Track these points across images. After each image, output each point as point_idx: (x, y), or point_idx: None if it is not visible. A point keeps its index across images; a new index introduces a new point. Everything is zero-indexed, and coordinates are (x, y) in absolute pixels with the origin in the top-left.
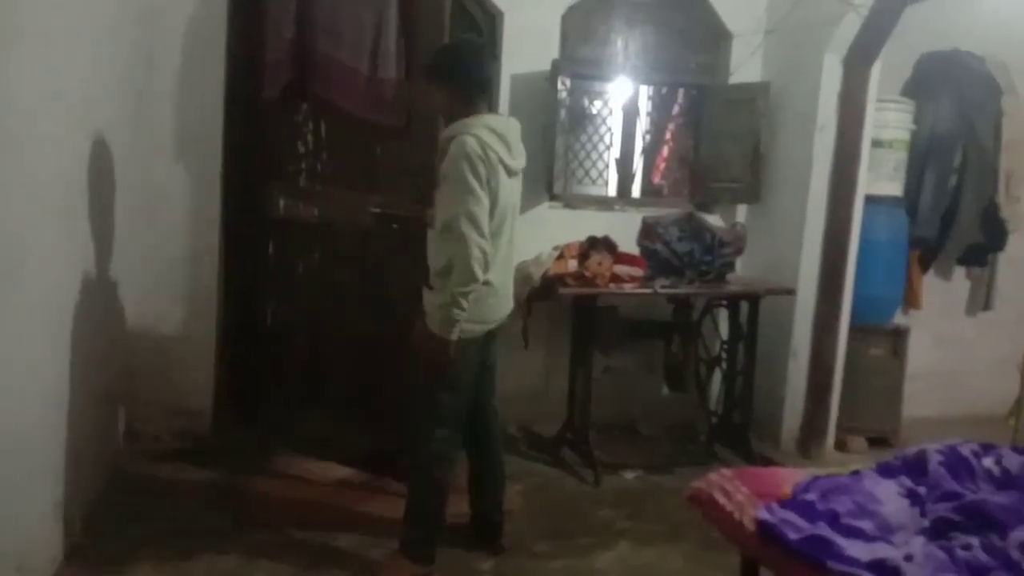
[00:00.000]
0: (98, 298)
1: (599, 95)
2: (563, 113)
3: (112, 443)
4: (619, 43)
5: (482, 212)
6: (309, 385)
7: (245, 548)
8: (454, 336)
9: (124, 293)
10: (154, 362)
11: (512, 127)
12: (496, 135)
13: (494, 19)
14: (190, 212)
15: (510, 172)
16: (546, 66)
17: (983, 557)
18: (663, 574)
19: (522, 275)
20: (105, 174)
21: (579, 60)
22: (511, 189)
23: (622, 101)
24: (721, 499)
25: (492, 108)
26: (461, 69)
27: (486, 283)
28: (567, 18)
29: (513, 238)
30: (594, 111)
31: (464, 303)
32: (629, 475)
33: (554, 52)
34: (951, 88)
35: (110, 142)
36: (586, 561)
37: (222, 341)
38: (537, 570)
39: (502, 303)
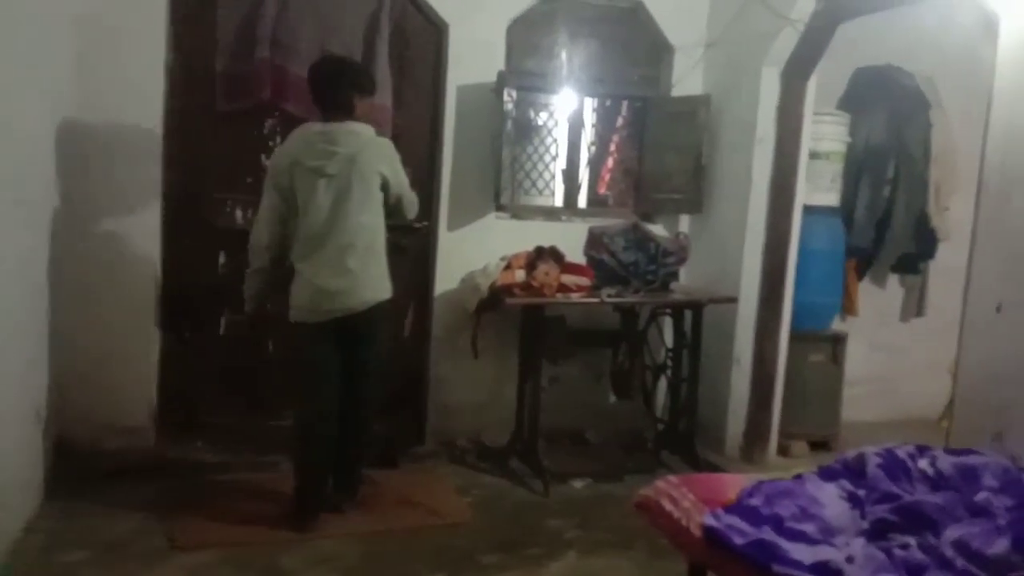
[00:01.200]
0: (29, 309)
1: (545, 106)
2: (509, 124)
3: (44, 462)
4: (563, 55)
5: (265, 210)
6: (263, 395)
7: (184, 571)
8: (247, 308)
9: (58, 304)
10: (90, 376)
11: (337, 136)
12: (307, 143)
13: (439, 30)
14: (128, 221)
15: (320, 175)
16: (492, 77)
17: (919, 556)
18: None
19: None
20: (37, 182)
21: (525, 72)
22: (324, 191)
23: (567, 113)
24: (668, 506)
25: (357, 117)
26: (310, 83)
27: (298, 272)
28: (512, 31)
29: (342, 240)
30: (540, 122)
31: (248, 281)
32: (578, 484)
33: (500, 64)
34: (883, 102)
35: (42, 150)
36: (536, 572)
37: (164, 353)
38: None
39: (324, 298)
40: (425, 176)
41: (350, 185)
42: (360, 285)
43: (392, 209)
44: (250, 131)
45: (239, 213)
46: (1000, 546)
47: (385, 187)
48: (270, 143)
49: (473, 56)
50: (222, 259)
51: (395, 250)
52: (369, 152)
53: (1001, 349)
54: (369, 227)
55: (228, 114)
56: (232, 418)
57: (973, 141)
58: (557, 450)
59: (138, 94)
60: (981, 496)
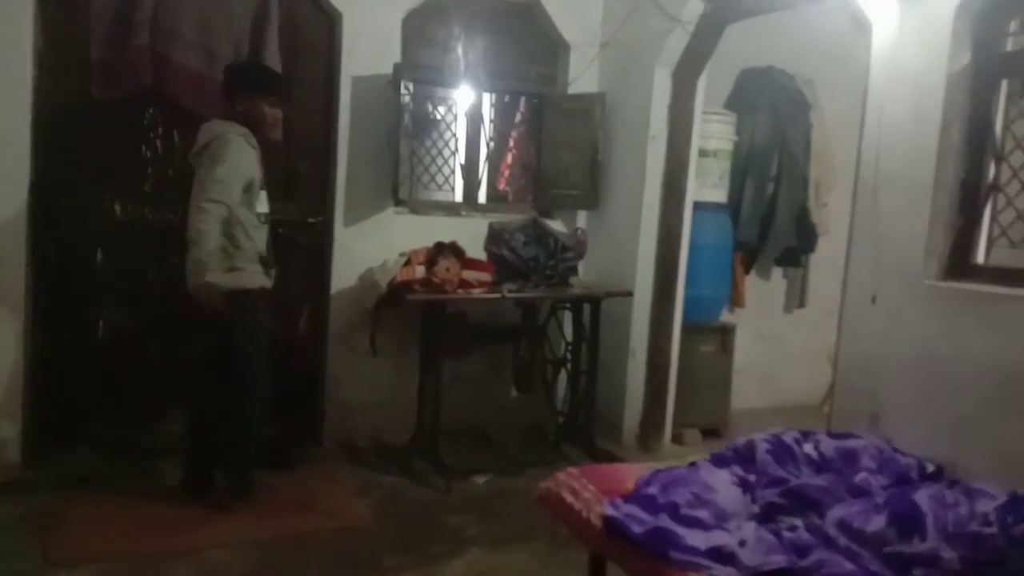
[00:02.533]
0: None
1: (443, 100)
2: (407, 118)
3: None
4: (459, 50)
5: None
6: (146, 401)
7: None
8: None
9: None
10: None
11: (201, 130)
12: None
13: (332, 20)
14: None
15: (194, 164)
16: (388, 69)
17: (806, 537)
18: None
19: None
20: None
21: (421, 65)
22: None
23: (466, 107)
24: (569, 498)
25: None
26: None
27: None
28: (408, 23)
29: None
30: (438, 116)
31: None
32: (480, 479)
33: (395, 56)
34: (767, 103)
35: None
36: (437, 570)
37: (36, 359)
38: None
39: None
40: (319, 170)
41: (198, 176)
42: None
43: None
44: (130, 120)
45: (118, 207)
46: (877, 523)
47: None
48: (151, 133)
49: (368, 47)
50: (99, 256)
51: (292, 247)
52: (212, 148)
53: (876, 337)
54: None
55: (105, 102)
56: (113, 425)
57: (849, 140)
58: (459, 446)
59: (3, 79)
60: (860, 477)
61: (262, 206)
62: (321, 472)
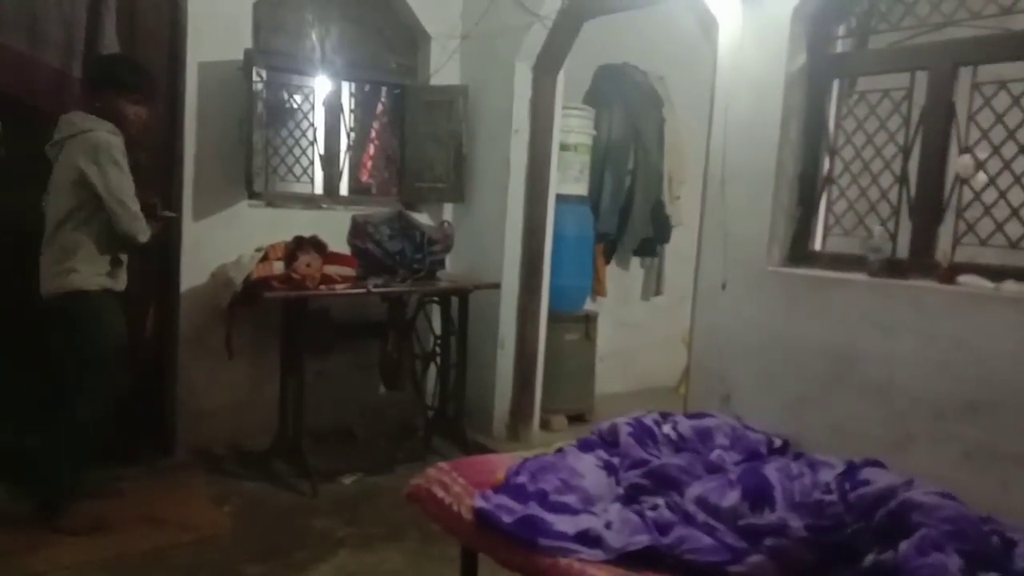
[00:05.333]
0: None
1: (299, 89)
2: (260, 106)
3: None
4: (314, 37)
5: None
6: None
7: None
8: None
9: None
10: None
11: (60, 122)
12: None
13: (175, 2)
14: None
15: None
16: (238, 55)
17: (667, 515)
18: None
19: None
20: None
21: (275, 52)
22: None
23: (324, 96)
24: (440, 493)
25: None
26: None
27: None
28: (259, 7)
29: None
30: (294, 105)
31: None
32: (347, 480)
33: (246, 41)
34: (622, 98)
35: None
36: None
37: None
38: None
39: None
40: (164, 161)
41: (55, 173)
42: (43, 275)
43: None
44: None
45: None
46: (732, 498)
47: (84, 183)
48: None
49: (216, 32)
50: None
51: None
52: (72, 143)
53: (726, 322)
54: (51, 219)
55: None
56: None
57: (699, 136)
58: (324, 448)
59: None
60: (715, 454)
61: None
62: (173, 482)
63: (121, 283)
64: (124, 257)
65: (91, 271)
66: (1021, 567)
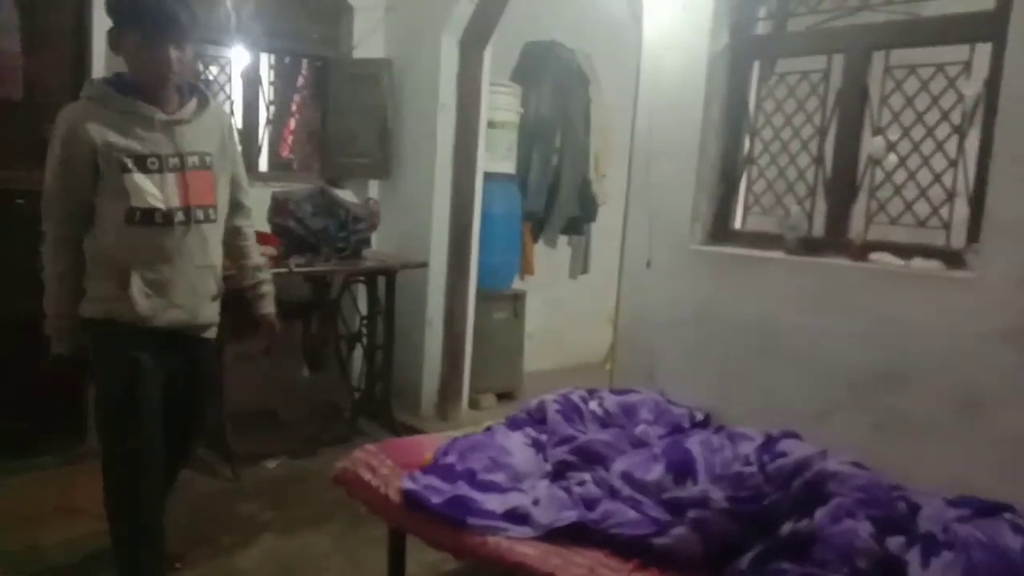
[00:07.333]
0: None
1: (214, 60)
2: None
3: None
4: (229, 5)
5: None
6: None
7: None
8: None
9: None
10: None
11: None
12: None
13: None
14: None
15: None
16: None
17: (594, 490)
18: (312, 559)
19: None
20: None
21: None
22: None
23: (241, 68)
24: (367, 475)
25: None
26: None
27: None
28: None
29: None
30: (210, 77)
31: None
32: (271, 464)
33: None
34: (549, 76)
35: None
36: (228, 563)
37: None
38: None
39: None
40: None
41: None
42: None
43: None
44: None
45: None
46: (656, 472)
47: None
48: None
49: None
50: None
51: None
52: None
53: (651, 299)
54: None
55: None
56: None
57: (625, 114)
58: (247, 432)
59: None
60: (640, 429)
61: None
62: (84, 471)
63: (151, 311)
64: (163, 273)
65: (91, 293)
66: (924, 529)
